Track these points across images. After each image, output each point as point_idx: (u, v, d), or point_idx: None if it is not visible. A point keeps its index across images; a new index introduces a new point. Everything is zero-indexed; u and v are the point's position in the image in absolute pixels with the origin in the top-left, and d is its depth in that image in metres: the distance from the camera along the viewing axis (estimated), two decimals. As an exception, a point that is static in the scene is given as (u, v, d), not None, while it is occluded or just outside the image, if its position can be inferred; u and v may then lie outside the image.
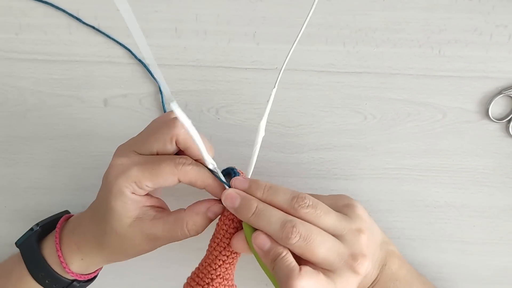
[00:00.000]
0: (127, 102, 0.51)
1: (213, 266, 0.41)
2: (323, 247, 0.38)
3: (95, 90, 0.51)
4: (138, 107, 0.51)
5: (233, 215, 0.40)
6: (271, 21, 0.50)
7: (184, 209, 0.42)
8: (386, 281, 0.44)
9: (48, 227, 0.46)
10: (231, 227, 0.41)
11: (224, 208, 0.41)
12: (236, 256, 0.41)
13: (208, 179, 0.40)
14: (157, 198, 0.43)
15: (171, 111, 0.43)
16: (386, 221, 0.52)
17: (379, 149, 0.51)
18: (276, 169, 0.52)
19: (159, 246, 0.42)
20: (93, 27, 0.50)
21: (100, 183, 0.43)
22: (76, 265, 0.44)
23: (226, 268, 0.41)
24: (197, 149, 0.39)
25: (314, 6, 0.39)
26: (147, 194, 0.41)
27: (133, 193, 0.40)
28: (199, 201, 0.42)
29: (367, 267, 0.39)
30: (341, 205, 0.42)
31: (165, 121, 0.41)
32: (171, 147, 0.40)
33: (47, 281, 0.44)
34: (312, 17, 0.50)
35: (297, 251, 0.38)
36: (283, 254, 0.37)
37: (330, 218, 0.39)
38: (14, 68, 0.51)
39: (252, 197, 0.40)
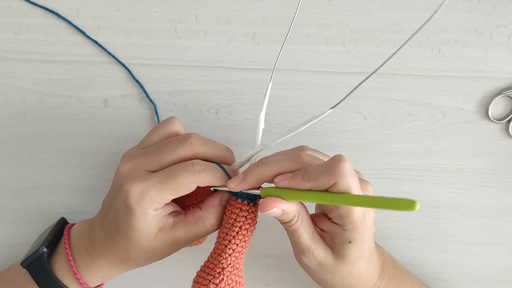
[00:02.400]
0: (127, 102, 0.51)
1: (224, 256, 0.41)
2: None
3: (95, 90, 0.51)
4: (138, 107, 0.51)
5: (240, 203, 0.41)
6: (271, 21, 0.50)
7: (199, 208, 0.42)
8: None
9: (53, 243, 0.45)
10: (239, 215, 0.41)
11: (231, 196, 0.42)
12: (245, 245, 0.42)
13: (223, 178, 0.41)
14: (170, 203, 0.43)
15: (172, 120, 0.43)
16: (386, 221, 0.52)
17: (379, 149, 0.51)
18: (276, 169, 0.52)
19: (183, 247, 0.43)
20: (93, 40, 0.50)
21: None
22: (96, 282, 0.44)
23: (236, 257, 0.41)
24: (214, 156, 0.41)
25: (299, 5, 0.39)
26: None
27: (156, 209, 0.40)
28: (209, 197, 0.43)
29: (372, 217, 0.40)
30: None
31: (178, 139, 0.41)
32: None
33: None
34: (312, 17, 0.50)
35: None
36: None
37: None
38: (14, 68, 0.51)
39: (251, 167, 0.41)
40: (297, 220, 0.40)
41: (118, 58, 0.50)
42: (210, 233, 0.43)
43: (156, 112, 0.51)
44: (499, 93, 0.50)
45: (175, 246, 0.42)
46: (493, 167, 0.52)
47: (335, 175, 0.36)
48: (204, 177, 0.40)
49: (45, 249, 0.44)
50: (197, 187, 0.41)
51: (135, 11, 0.50)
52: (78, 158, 0.52)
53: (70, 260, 0.43)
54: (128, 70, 0.50)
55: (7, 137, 0.52)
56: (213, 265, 0.41)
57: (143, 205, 0.39)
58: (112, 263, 0.43)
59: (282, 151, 0.42)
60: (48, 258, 0.44)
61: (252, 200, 0.41)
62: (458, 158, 0.51)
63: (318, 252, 0.40)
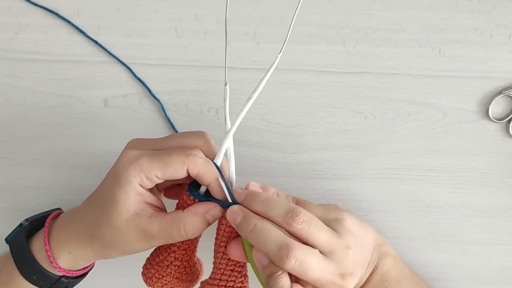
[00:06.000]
0: (127, 102, 0.51)
1: (225, 277, 0.41)
2: (317, 270, 0.39)
3: (95, 90, 0.51)
4: (138, 107, 0.51)
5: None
6: (271, 21, 0.50)
7: (183, 210, 0.41)
8: (376, 283, 0.45)
9: (38, 223, 0.45)
10: (236, 233, 0.41)
11: (225, 214, 0.41)
12: None
13: (215, 176, 0.41)
14: (158, 198, 0.43)
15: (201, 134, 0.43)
16: (386, 221, 0.52)
17: (379, 149, 0.51)
18: (276, 169, 0.52)
19: (152, 246, 0.42)
20: (94, 40, 0.50)
21: (100, 183, 0.43)
22: (64, 260, 0.43)
23: (237, 271, 0.42)
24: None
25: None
26: (151, 191, 0.41)
27: (140, 184, 0.40)
28: (198, 203, 0.42)
29: (353, 284, 0.41)
30: (331, 219, 0.42)
31: (193, 131, 0.42)
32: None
33: (34, 277, 0.43)
34: (312, 17, 0.50)
35: (292, 272, 0.39)
36: (279, 273, 0.39)
37: (322, 235, 0.40)
38: (14, 68, 0.51)
39: (253, 214, 0.40)
40: None
41: (118, 57, 0.50)
42: (183, 239, 0.41)
43: (162, 108, 0.51)
44: (500, 92, 0.50)
45: (145, 240, 0.41)
46: (493, 167, 0.52)
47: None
48: (195, 163, 0.39)
49: (27, 223, 0.44)
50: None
51: (135, 11, 0.50)
52: (78, 158, 0.52)
53: (45, 231, 0.43)
54: (130, 69, 0.50)
55: (7, 137, 0.52)
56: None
57: (129, 170, 0.39)
58: (80, 237, 0.42)
59: (278, 203, 0.40)
60: (29, 236, 0.44)
61: None
62: (458, 158, 0.51)
63: None
